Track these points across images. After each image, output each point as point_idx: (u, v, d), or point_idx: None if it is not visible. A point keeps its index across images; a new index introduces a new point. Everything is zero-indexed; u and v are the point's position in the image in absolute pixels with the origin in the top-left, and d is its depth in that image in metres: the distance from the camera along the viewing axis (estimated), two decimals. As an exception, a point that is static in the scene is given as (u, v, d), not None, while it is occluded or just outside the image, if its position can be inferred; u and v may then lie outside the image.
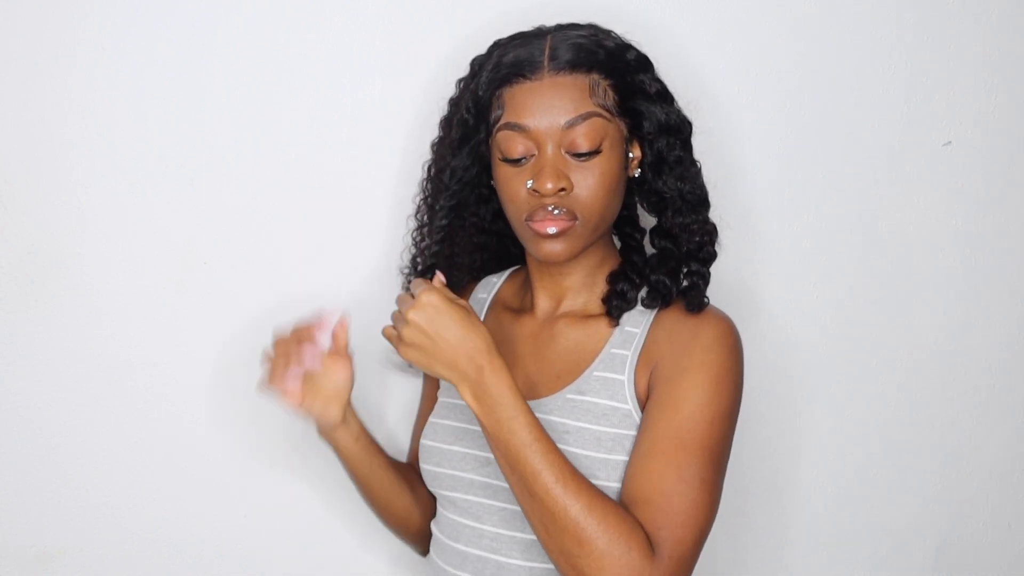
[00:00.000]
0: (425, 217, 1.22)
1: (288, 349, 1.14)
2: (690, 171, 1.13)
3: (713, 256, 1.14)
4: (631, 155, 1.12)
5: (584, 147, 1.06)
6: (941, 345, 1.53)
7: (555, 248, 1.08)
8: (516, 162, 1.08)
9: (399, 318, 1.03)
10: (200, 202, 1.28)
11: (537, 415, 1.07)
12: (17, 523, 1.28)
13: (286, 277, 1.31)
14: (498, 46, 1.13)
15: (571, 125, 1.05)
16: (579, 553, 0.96)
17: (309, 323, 1.16)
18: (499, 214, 1.19)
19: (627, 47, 1.11)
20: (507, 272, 1.27)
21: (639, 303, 1.13)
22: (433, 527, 1.21)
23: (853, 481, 1.54)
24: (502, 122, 1.08)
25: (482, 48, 1.15)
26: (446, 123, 1.19)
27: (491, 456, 1.10)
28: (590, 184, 1.06)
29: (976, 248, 1.52)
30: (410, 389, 1.36)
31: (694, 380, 1.04)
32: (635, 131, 1.11)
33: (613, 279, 1.15)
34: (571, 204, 1.07)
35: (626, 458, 1.05)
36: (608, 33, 1.12)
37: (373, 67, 1.30)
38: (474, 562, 1.12)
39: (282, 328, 1.17)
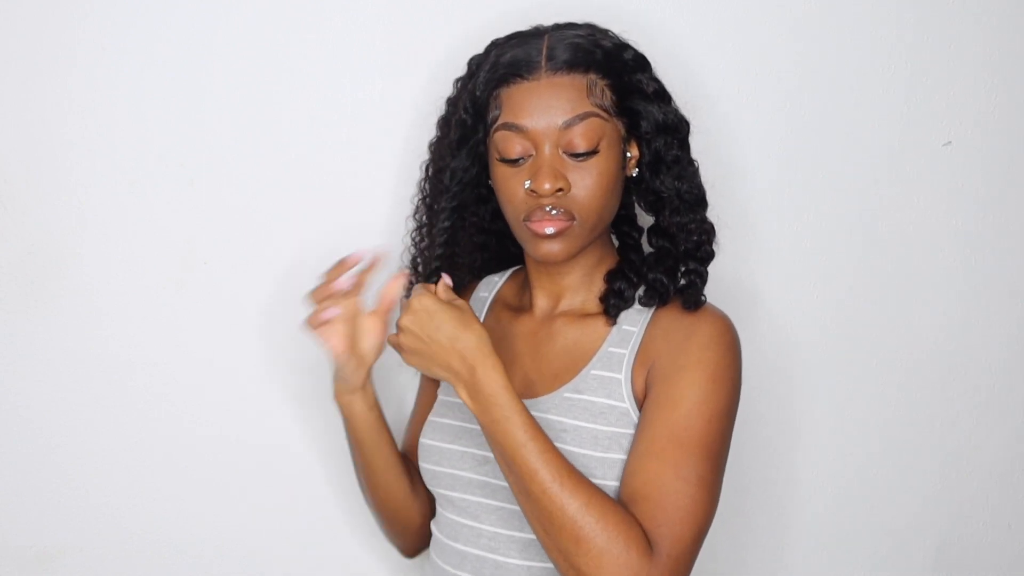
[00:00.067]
0: (424, 218, 1.22)
1: (330, 293, 1.09)
2: (687, 170, 1.13)
3: (711, 255, 1.14)
4: (629, 155, 1.12)
5: (581, 147, 1.06)
6: (941, 345, 1.53)
7: (553, 248, 1.08)
8: (513, 162, 1.08)
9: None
10: (200, 202, 1.28)
11: (535, 414, 1.07)
12: (17, 523, 1.28)
13: (286, 277, 1.31)
14: (495, 46, 1.13)
15: (568, 125, 1.05)
16: (577, 552, 0.96)
17: (345, 263, 1.10)
18: (499, 214, 1.19)
19: (624, 46, 1.11)
20: (509, 271, 1.28)
21: (636, 302, 1.13)
22: (433, 527, 1.21)
23: (853, 481, 1.54)
24: (499, 122, 1.08)
25: (482, 48, 1.15)
26: (444, 123, 1.19)
27: (490, 455, 1.10)
28: (588, 184, 1.06)
29: (976, 248, 1.52)
30: (409, 388, 1.36)
31: (691, 378, 1.04)
32: (633, 130, 1.11)
33: (611, 278, 1.15)
34: (568, 204, 1.07)
35: (623, 457, 1.05)
36: (606, 32, 1.12)
37: (373, 67, 1.30)
38: (473, 561, 1.12)
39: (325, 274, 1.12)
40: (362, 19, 1.29)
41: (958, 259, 1.51)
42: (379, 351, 1.13)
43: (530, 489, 0.98)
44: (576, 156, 1.06)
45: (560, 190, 1.06)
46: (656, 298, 1.12)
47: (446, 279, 1.07)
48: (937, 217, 1.49)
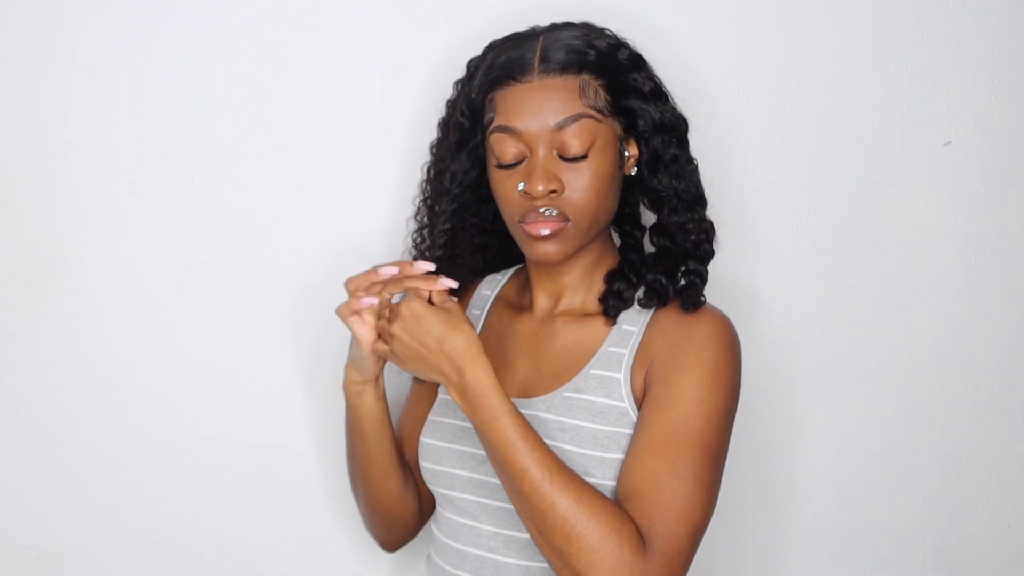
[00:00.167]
0: (425, 219, 1.22)
1: (371, 282, 1.09)
2: (686, 169, 1.12)
3: (710, 254, 1.14)
4: (627, 154, 1.12)
5: (574, 148, 1.06)
6: (941, 345, 1.53)
7: (548, 249, 1.08)
8: (509, 165, 1.08)
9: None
10: (200, 202, 1.28)
11: (534, 412, 1.07)
12: (17, 523, 1.28)
13: (286, 277, 1.31)
14: (492, 47, 1.13)
15: (561, 127, 1.05)
16: (569, 550, 0.96)
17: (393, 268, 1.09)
18: (500, 214, 1.19)
19: (620, 46, 1.11)
20: (512, 270, 1.28)
21: (636, 302, 1.13)
22: (433, 527, 1.21)
23: (853, 481, 1.54)
24: (494, 125, 1.08)
25: (481, 49, 1.15)
26: (444, 125, 1.19)
27: (489, 455, 1.10)
28: (582, 185, 1.06)
29: (976, 248, 1.52)
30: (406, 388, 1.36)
31: (690, 378, 1.04)
32: (631, 130, 1.11)
33: (610, 278, 1.15)
34: (563, 206, 1.07)
35: (622, 456, 1.05)
36: (602, 32, 1.12)
37: (373, 67, 1.30)
38: (472, 561, 1.12)
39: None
40: (362, 19, 1.29)
41: (958, 259, 1.51)
42: None
43: (521, 488, 0.98)
44: (569, 158, 1.06)
45: (554, 191, 1.06)
46: (655, 299, 1.12)
47: (444, 282, 1.06)
48: (937, 217, 1.49)
